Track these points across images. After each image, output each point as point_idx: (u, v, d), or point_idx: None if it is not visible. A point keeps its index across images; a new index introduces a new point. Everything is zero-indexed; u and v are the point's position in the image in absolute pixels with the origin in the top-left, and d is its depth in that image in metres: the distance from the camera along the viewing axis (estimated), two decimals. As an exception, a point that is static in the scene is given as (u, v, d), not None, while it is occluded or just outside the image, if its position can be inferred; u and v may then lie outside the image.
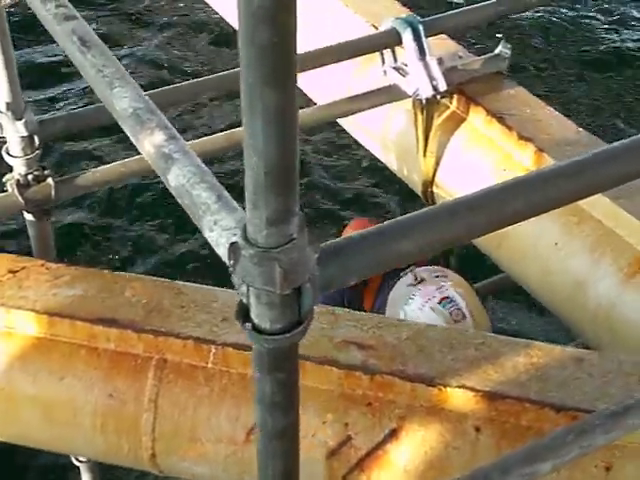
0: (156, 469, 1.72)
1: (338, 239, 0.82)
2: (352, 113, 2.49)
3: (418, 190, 2.46)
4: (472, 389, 1.53)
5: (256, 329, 0.81)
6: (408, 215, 0.85)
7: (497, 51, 2.47)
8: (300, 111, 2.17)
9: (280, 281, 0.75)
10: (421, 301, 2.06)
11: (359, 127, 2.71)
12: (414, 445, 1.55)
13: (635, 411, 1.24)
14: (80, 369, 1.68)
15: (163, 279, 1.80)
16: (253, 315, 0.80)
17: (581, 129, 2.25)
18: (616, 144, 1.05)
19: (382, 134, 2.64)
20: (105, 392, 1.67)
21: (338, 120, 2.59)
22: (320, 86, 2.84)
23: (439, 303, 2.02)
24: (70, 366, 1.69)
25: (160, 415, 1.64)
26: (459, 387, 1.53)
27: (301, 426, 1.61)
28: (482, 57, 2.48)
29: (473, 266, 2.63)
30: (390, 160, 2.67)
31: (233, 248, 0.76)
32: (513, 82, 2.47)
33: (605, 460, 1.48)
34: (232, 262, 0.76)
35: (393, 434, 1.57)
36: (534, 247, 2.15)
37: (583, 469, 1.48)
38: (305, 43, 2.72)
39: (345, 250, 0.81)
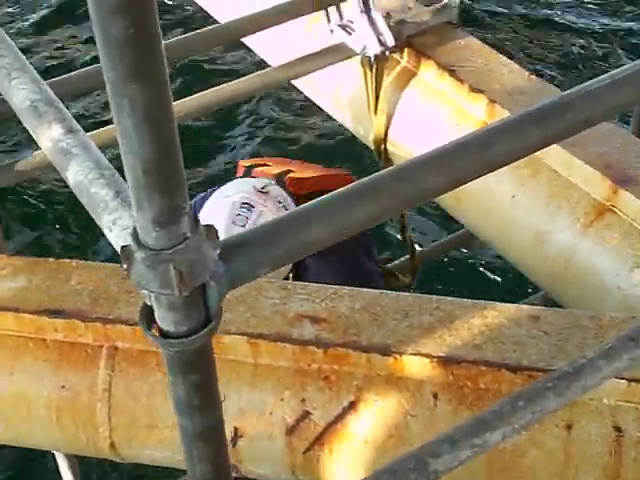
0: (117, 457, 1.69)
1: (242, 232, 0.78)
2: (302, 75, 2.43)
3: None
4: (428, 355, 1.50)
5: (162, 333, 0.77)
6: (318, 199, 0.80)
7: (446, 0, 2.41)
8: (247, 77, 2.10)
9: (177, 283, 0.71)
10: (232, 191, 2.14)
11: (311, 86, 2.65)
12: (373, 416, 1.53)
13: (588, 371, 1.21)
14: (29, 362, 1.64)
15: (110, 264, 1.75)
16: (157, 318, 0.76)
17: (533, 76, 2.20)
18: (570, 91, 1.00)
19: (335, 92, 2.58)
20: (57, 384, 1.63)
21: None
22: (274, 47, 2.77)
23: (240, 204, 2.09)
24: (18, 360, 1.65)
25: (115, 404, 1.61)
26: (414, 354, 1.50)
27: (258, 404, 1.60)
28: (431, 7, 2.42)
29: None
30: (344, 119, 2.62)
31: (125, 251, 0.72)
32: (464, 32, 2.41)
33: (565, 419, 1.46)
34: (125, 266, 0.72)
35: (351, 406, 1.54)
36: (492, 200, 2.11)
37: (544, 430, 1.46)
38: (248, 6, 2.65)
39: (251, 242, 0.77)
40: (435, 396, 1.51)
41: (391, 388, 1.53)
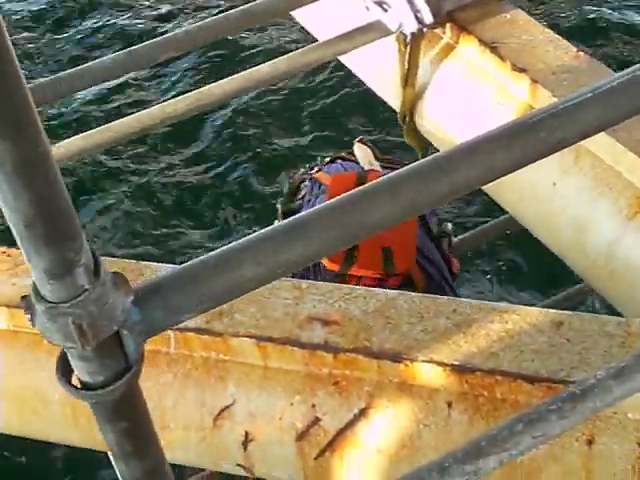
0: (134, 455, 1.68)
1: (160, 275, 0.72)
2: (339, 54, 2.35)
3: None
4: (440, 363, 1.42)
5: (81, 383, 0.72)
6: (248, 238, 0.74)
7: (491, -29, 2.27)
8: (279, 59, 2.03)
9: (78, 337, 0.66)
10: None
11: (351, 60, 2.56)
12: (384, 424, 1.47)
13: (597, 392, 1.11)
14: (44, 359, 1.64)
15: (125, 260, 1.73)
16: (74, 368, 0.71)
17: (581, 53, 2.05)
18: (619, 74, 0.90)
19: (376, 67, 2.48)
20: (71, 382, 1.62)
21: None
22: (319, 21, 2.70)
23: None
24: (33, 356, 1.64)
25: (126, 404, 1.59)
26: (427, 362, 1.43)
27: (268, 409, 1.55)
28: (475, -21, 2.28)
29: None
30: (384, 94, 2.53)
31: (27, 301, 0.67)
32: (510, 5, 2.27)
33: (587, 433, 1.37)
34: (29, 317, 0.67)
35: (362, 413, 1.48)
36: (532, 187, 2.00)
37: (563, 444, 1.37)
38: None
39: (169, 287, 0.71)
40: (450, 405, 1.44)
41: (403, 395, 1.46)
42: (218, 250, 0.74)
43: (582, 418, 1.11)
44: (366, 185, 0.74)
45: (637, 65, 0.97)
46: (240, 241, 0.74)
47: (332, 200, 0.74)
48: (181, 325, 1.52)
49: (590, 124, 0.80)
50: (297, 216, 0.74)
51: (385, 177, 0.73)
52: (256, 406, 1.53)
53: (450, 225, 2.46)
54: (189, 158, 5.09)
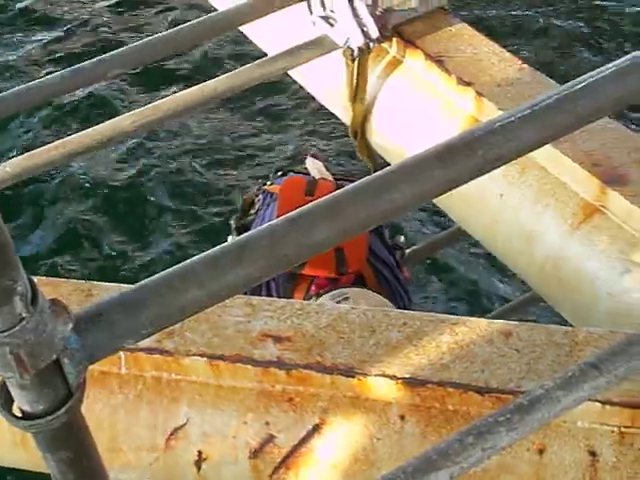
0: None
1: (98, 301, 0.71)
2: (286, 70, 2.36)
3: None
4: (393, 377, 1.43)
5: (22, 412, 0.71)
6: (191, 260, 0.73)
7: (436, -14, 2.30)
8: (227, 75, 2.03)
9: (16, 366, 0.65)
10: None
11: (301, 75, 2.57)
12: (338, 439, 1.47)
13: (544, 403, 1.13)
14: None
15: (73, 280, 1.71)
16: (14, 397, 0.70)
17: (525, 65, 2.09)
18: (557, 90, 0.92)
19: (324, 82, 2.50)
20: (20, 407, 1.60)
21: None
22: (268, 36, 2.70)
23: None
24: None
25: (77, 427, 1.57)
26: (379, 375, 1.44)
27: (222, 427, 1.54)
28: (420, -6, 2.31)
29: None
30: (335, 109, 2.54)
31: (-37, 332, 0.66)
32: (456, 19, 2.31)
33: (537, 442, 1.38)
34: (-34, 347, 0.66)
35: (316, 429, 1.48)
36: (481, 198, 2.02)
37: (514, 454, 1.39)
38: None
39: (109, 312, 0.70)
40: (402, 418, 1.44)
41: (357, 410, 1.46)
42: (161, 273, 0.73)
43: (531, 429, 1.12)
44: (306, 206, 0.75)
45: (574, 80, 0.99)
46: (183, 264, 0.73)
47: (273, 222, 0.74)
48: (132, 345, 1.52)
49: (527, 141, 0.81)
50: (239, 238, 0.74)
51: (324, 198, 0.74)
52: (209, 425, 1.52)
53: (402, 238, 2.48)
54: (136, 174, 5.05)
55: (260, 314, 1.57)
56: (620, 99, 0.94)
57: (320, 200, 0.74)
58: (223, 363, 1.50)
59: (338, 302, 1.88)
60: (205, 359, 1.50)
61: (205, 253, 0.74)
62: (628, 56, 0.90)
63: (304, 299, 2.04)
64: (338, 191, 0.74)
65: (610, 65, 0.95)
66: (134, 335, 0.72)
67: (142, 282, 0.72)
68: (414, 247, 3.07)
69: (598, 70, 0.94)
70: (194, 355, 1.51)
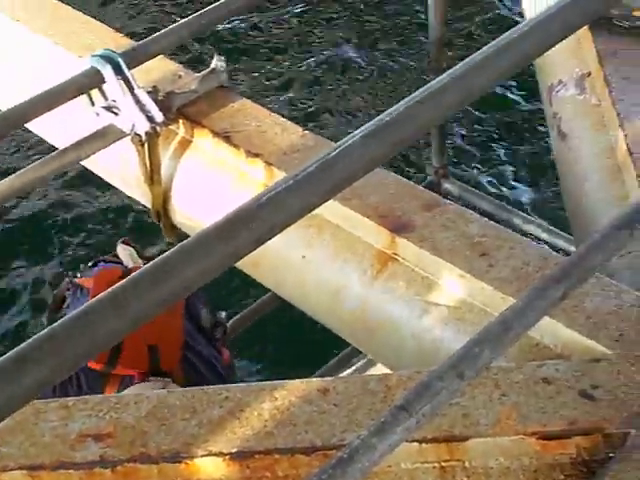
0: None
1: None
2: (78, 161, 2.34)
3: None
4: (219, 454, 1.43)
5: None
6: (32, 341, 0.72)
7: (212, 66, 2.38)
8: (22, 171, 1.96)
9: None
10: None
11: (95, 164, 2.56)
12: (175, 527, 1.44)
13: (363, 453, 1.16)
14: None
15: None
16: None
17: (307, 132, 2.19)
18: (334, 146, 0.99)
19: (119, 168, 2.50)
20: None
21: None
22: (56, 130, 2.67)
23: None
24: None
25: None
26: (206, 455, 1.43)
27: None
28: (199, 75, 2.38)
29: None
30: (135, 194, 2.54)
31: None
32: (237, 95, 2.39)
33: (366, 490, 1.42)
34: None
35: (151, 522, 1.45)
36: (285, 263, 2.09)
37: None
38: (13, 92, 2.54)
39: None
40: (235, 493, 1.44)
41: (190, 495, 1.45)
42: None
43: (354, 480, 1.16)
44: (89, 302, 0.76)
45: (341, 141, 1.06)
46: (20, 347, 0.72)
47: (78, 310, 0.75)
48: None
49: (296, 208, 0.86)
50: (45, 331, 0.74)
51: (105, 292, 0.75)
52: (38, 540, 1.45)
53: (224, 313, 2.49)
54: None
55: (77, 415, 1.53)
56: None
57: (101, 295, 0.75)
58: (44, 472, 1.44)
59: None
60: (25, 471, 1.44)
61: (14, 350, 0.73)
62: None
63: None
64: (118, 283, 0.76)
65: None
66: None
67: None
68: (233, 319, 3.09)
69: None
70: (12, 470, 1.44)
